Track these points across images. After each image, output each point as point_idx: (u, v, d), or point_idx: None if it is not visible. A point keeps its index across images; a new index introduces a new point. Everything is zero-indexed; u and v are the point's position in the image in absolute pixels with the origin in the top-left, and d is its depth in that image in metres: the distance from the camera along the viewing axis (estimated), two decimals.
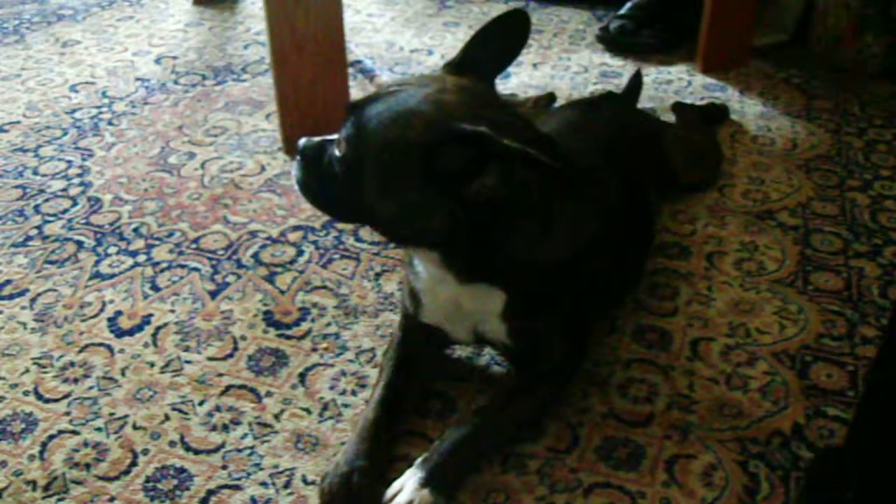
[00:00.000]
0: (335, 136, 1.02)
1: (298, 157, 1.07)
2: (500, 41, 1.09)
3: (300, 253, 1.47)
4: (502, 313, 1.07)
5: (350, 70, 1.76)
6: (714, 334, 1.26)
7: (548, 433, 1.11)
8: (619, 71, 2.07)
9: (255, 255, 1.46)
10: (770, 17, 2.14)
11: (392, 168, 0.95)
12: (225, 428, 1.13)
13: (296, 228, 1.53)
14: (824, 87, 1.98)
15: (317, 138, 1.06)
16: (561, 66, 2.11)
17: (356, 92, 1.85)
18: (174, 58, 2.25)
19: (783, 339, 1.25)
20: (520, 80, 2.04)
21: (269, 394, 1.18)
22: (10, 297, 1.39)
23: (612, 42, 2.19)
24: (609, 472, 1.06)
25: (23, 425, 1.15)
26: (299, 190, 1.08)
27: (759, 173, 1.65)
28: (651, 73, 2.05)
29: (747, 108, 1.89)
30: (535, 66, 2.12)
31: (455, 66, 1.06)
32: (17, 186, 1.69)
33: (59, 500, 1.04)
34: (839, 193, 1.59)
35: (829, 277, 1.37)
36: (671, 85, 2.00)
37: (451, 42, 2.27)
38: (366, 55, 2.20)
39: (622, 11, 2.23)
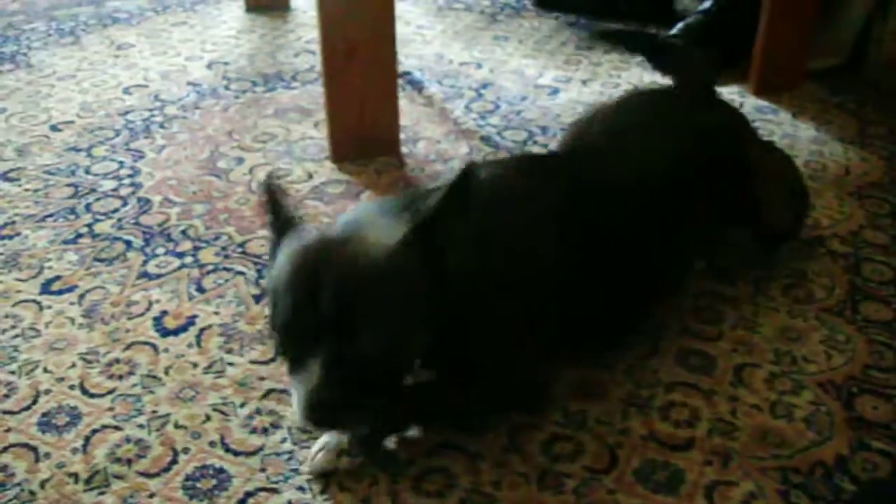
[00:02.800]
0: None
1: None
2: None
3: None
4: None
5: (399, 81, 1.77)
6: (759, 360, 1.25)
7: (586, 452, 1.10)
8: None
9: None
10: (825, 40, 2.11)
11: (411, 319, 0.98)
12: (265, 431, 1.14)
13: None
14: (878, 114, 1.95)
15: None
16: (611, 84, 2.10)
17: (405, 103, 1.86)
18: (226, 64, 2.28)
19: (830, 369, 1.23)
20: (568, 97, 2.04)
21: None
22: (60, 292, 1.41)
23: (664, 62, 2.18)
24: (647, 494, 1.04)
25: (67, 419, 1.16)
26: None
27: (811, 199, 1.63)
28: None
29: (800, 133, 1.87)
30: (584, 83, 2.11)
31: None
32: (69, 185, 1.71)
33: (100, 493, 1.05)
34: (891, 222, 1.56)
35: (878, 307, 1.35)
36: None
37: (500, 56, 2.27)
38: (415, 67, 2.21)
39: (673, 31, 2.21)
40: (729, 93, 2.04)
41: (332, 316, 0.91)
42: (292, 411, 1.05)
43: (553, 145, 1.81)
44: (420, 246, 0.95)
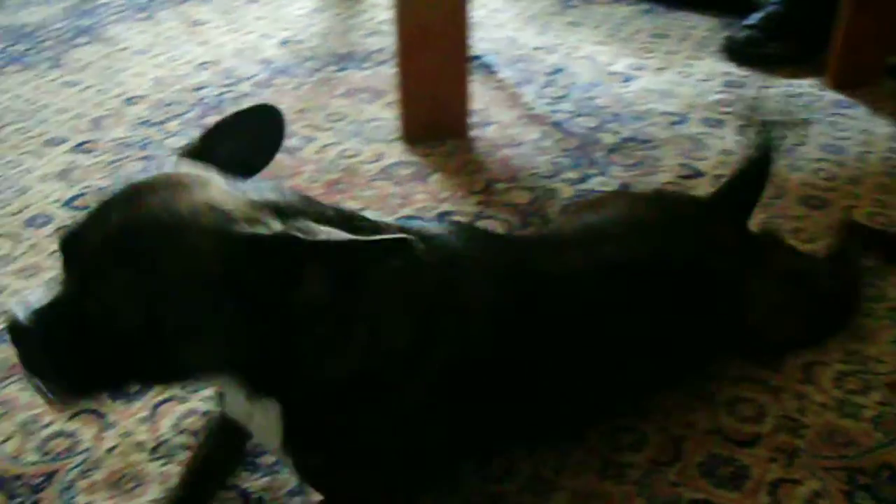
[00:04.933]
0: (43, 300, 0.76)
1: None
2: (248, 138, 0.92)
3: None
4: (282, 444, 0.89)
5: (471, 65, 1.77)
6: (828, 359, 1.22)
7: (650, 444, 1.09)
8: (744, 81, 2.03)
9: None
10: None
11: (186, 300, 0.74)
12: None
13: (409, 218, 1.54)
14: None
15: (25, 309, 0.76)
16: (684, 73, 2.07)
17: (476, 87, 1.85)
18: (299, 42, 2.29)
19: None
20: (642, 85, 2.01)
21: None
22: None
23: (739, 52, 2.14)
24: (710, 489, 1.03)
25: (135, 388, 1.18)
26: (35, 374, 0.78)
27: (886, 196, 1.59)
28: (779, 87, 2.00)
29: (877, 129, 1.82)
30: (657, 71, 2.08)
31: (191, 154, 0.86)
32: (141, 158, 1.74)
33: (164, 463, 1.08)
34: None
35: None
36: (799, 99, 1.94)
37: (573, 41, 2.25)
38: (487, 51, 2.20)
39: (751, 21, 2.17)
40: (806, 86, 2.00)
41: (93, 250, 0.74)
42: None
43: (625, 133, 1.79)
44: (262, 257, 0.74)
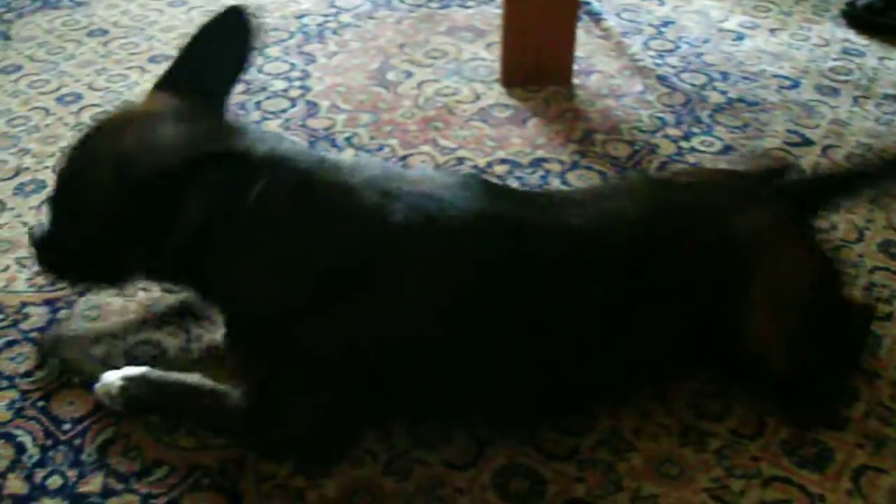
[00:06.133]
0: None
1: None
2: (222, 48, 1.00)
3: None
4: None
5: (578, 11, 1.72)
6: None
7: (734, 414, 1.07)
8: (862, 50, 1.94)
9: None
10: None
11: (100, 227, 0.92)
12: None
13: (503, 161, 1.52)
14: None
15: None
16: (800, 36, 1.99)
17: (581, 34, 1.80)
18: None
19: None
20: (754, 44, 1.94)
21: None
22: None
23: (859, 18, 2.04)
24: (792, 468, 1.01)
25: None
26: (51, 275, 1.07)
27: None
28: (895, 59, 1.91)
29: None
30: (772, 31, 2.00)
31: (166, 84, 0.97)
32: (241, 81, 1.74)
33: None
34: None
35: None
36: None
37: None
38: None
39: None
40: None
41: (55, 186, 0.96)
42: None
43: (733, 94, 1.73)
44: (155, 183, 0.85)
